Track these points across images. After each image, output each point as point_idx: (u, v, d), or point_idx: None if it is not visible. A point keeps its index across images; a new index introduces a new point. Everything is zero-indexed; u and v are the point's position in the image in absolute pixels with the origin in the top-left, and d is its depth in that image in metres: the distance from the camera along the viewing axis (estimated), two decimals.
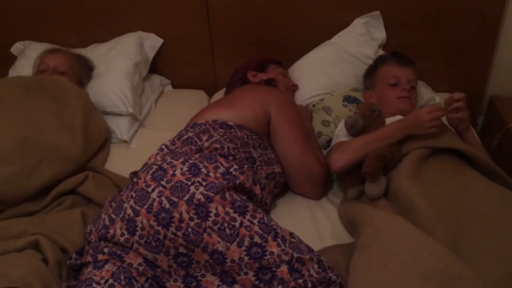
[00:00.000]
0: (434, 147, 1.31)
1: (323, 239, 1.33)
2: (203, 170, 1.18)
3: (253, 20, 1.97)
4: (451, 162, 1.30)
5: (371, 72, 1.69)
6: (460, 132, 1.45)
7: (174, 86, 2.20)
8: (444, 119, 1.39)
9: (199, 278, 1.12)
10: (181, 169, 1.17)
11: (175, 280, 1.12)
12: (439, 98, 1.87)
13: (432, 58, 1.95)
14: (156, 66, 2.16)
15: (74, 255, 1.20)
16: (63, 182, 1.47)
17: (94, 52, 2.04)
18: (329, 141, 1.66)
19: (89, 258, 1.14)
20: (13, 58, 2.09)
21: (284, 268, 1.08)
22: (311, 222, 1.39)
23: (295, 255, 1.09)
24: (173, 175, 1.15)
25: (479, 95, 2.07)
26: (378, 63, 1.68)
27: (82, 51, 2.04)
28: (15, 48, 2.12)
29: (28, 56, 2.03)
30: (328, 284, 1.08)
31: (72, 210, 1.37)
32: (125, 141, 1.79)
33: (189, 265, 1.11)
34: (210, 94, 2.12)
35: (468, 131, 1.46)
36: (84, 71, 1.92)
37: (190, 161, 1.20)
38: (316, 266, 1.10)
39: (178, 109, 1.96)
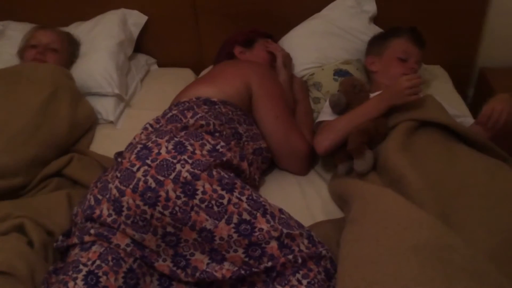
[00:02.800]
0: (421, 119, 1.30)
1: (313, 214, 1.32)
2: (189, 147, 1.15)
3: None
4: (440, 134, 1.29)
5: (382, 38, 1.64)
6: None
7: (160, 65, 2.16)
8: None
9: (188, 257, 1.10)
10: (167, 147, 1.14)
11: (164, 260, 1.11)
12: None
13: (421, 30, 1.92)
14: (141, 45, 2.11)
15: (60, 237, 1.18)
16: (48, 165, 1.45)
17: (77, 31, 1.97)
18: None
19: (75, 240, 1.11)
20: None
21: (273, 244, 1.06)
22: (301, 198, 1.38)
23: (285, 231, 1.07)
24: (158, 153, 1.13)
25: (469, 66, 2.05)
26: (393, 32, 1.63)
27: (64, 30, 1.98)
28: None
29: (8, 36, 1.97)
30: (318, 258, 1.07)
31: (57, 192, 1.35)
32: (111, 122, 1.75)
33: (177, 244, 1.10)
34: (197, 72, 2.08)
35: None
36: (75, 50, 1.88)
37: (176, 139, 1.17)
38: (306, 241, 1.09)
39: (164, 88, 1.91)
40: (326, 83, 1.67)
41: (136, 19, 2.02)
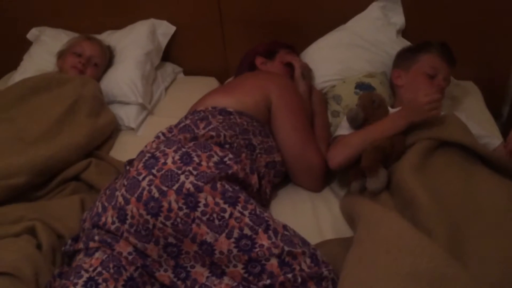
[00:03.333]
0: (440, 138, 1.24)
1: (322, 232, 1.28)
2: (195, 159, 1.15)
3: (265, 3, 1.92)
4: (460, 156, 1.23)
5: (411, 53, 1.59)
6: None
7: (187, 73, 2.18)
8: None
9: (189, 269, 1.09)
10: (173, 157, 1.14)
11: (165, 270, 1.11)
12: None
13: (453, 44, 1.84)
14: (169, 54, 2.14)
15: (69, 242, 1.20)
16: (67, 169, 1.48)
17: (109, 40, 2.03)
18: None
19: (81, 245, 1.13)
20: (28, 44, 2.11)
21: (274, 261, 1.04)
22: (312, 214, 1.35)
23: (286, 248, 1.05)
24: (164, 163, 1.13)
25: (504, 84, 1.95)
26: (423, 47, 1.58)
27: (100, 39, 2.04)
28: (31, 34, 2.13)
29: (43, 42, 2.05)
30: (319, 279, 1.04)
31: (71, 196, 1.38)
32: (132, 129, 1.78)
33: (178, 255, 1.09)
34: (222, 80, 2.09)
35: None
36: (110, 63, 1.94)
37: (183, 149, 1.18)
38: (308, 261, 1.06)
39: (188, 96, 1.90)
40: (346, 96, 1.63)
41: (165, 30, 2.06)
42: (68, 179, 1.48)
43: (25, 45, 2.11)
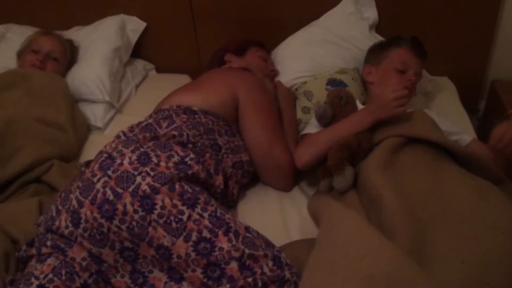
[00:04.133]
0: (408, 135, 1.21)
1: (290, 233, 1.24)
2: (154, 159, 1.10)
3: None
4: (428, 152, 1.20)
5: (382, 48, 1.56)
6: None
7: (159, 70, 2.13)
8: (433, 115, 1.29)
9: (146, 274, 1.05)
10: (130, 157, 1.10)
11: (122, 276, 1.06)
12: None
13: (427, 39, 1.81)
14: (140, 50, 2.09)
15: (24, 247, 1.15)
16: (30, 172, 1.43)
17: (76, 35, 1.97)
18: None
19: (33, 251, 1.08)
20: None
21: (234, 265, 1.00)
22: (280, 215, 1.31)
23: (247, 251, 1.01)
24: (121, 164, 1.08)
25: (479, 79, 1.93)
26: (393, 42, 1.55)
27: (64, 34, 1.98)
28: None
29: (8, 39, 1.98)
30: (281, 282, 1.00)
31: (29, 199, 1.32)
32: (99, 128, 1.73)
33: (135, 260, 1.05)
34: (195, 78, 2.02)
35: None
36: (73, 58, 1.88)
37: (141, 149, 1.13)
38: (270, 263, 1.02)
39: (159, 94, 1.83)
40: (318, 92, 1.60)
41: (135, 26, 2.01)
42: (29, 181, 1.42)
43: None
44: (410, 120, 1.26)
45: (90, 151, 1.64)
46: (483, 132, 1.88)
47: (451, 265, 0.88)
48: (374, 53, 1.59)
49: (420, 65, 1.51)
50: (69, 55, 1.86)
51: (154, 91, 1.93)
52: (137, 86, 1.99)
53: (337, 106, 1.36)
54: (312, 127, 1.42)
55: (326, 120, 1.37)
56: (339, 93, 1.37)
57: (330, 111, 1.35)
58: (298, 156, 1.31)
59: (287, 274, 1.01)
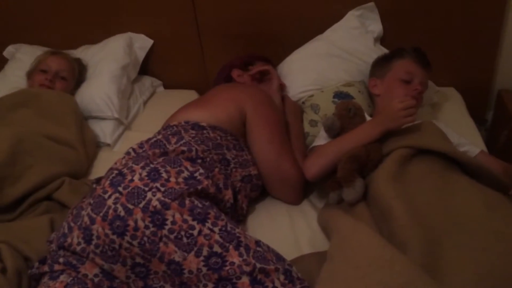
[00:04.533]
0: (418, 146, 1.20)
1: (300, 247, 1.24)
2: (164, 175, 1.11)
3: (242, 15, 1.90)
4: (438, 163, 1.19)
5: (385, 60, 1.58)
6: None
7: (167, 87, 2.15)
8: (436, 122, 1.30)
9: None
10: (140, 174, 1.11)
11: None
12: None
13: (433, 50, 1.82)
14: (147, 67, 2.12)
15: (36, 264, 1.16)
16: (41, 189, 1.44)
17: (84, 54, 2.01)
18: None
19: (46, 268, 1.09)
20: (4, 62, 2.08)
21: (245, 279, 1.00)
22: (290, 228, 1.31)
23: (258, 265, 1.01)
24: (131, 180, 1.09)
25: (486, 89, 1.92)
26: (396, 54, 1.56)
27: (72, 53, 2.02)
28: (8, 51, 2.11)
29: (17, 60, 2.02)
30: None
31: (40, 217, 1.33)
32: (108, 145, 1.75)
33: (147, 275, 1.05)
34: (202, 93, 2.04)
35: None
36: (81, 76, 1.91)
37: (151, 165, 1.14)
38: (282, 277, 1.02)
39: (167, 110, 1.86)
40: (324, 105, 1.60)
41: (142, 43, 2.03)
42: (40, 199, 1.43)
43: (1, 64, 2.08)
44: (419, 131, 1.27)
45: (99, 168, 1.65)
46: (491, 143, 1.88)
47: (464, 277, 0.87)
48: (378, 66, 1.60)
49: (425, 75, 1.52)
50: (77, 74, 1.89)
51: (162, 107, 1.95)
52: (145, 103, 2.01)
53: (345, 117, 1.36)
54: (321, 139, 1.42)
55: (334, 132, 1.37)
56: (347, 105, 1.38)
57: (339, 123, 1.35)
58: (308, 167, 1.31)
59: None
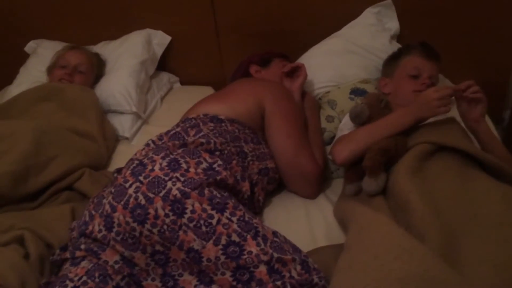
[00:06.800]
0: (439, 143, 1.20)
1: (316, 239, 1.26)
2: (183, 165, 1.13)
3: (259, 12, 1.92)
4: (458, 160, 1.19)
5: (393, 59, 1.58)
6: (476, 120, 1.32)
7: (183, 83, 2.18)
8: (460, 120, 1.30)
9: (177, 277, 1.07)
10: (161, 164, 1.13)
11: (153, 279, 1.08)
12: None
13: (449, 48, 1.82)
14: (165, 63, 2.14)
15: (57, 251, 1.19)
16: (63, 180, 1.47)
17: (104, 50, 2.04)
18: (333, 137, 1.58)
19: (67, 255, 1.12)
20: (25, 57, 2.12)
21: (262, 268, 1.01)
22: (306, 221, 1.32)
23: (275, 255, 1.02)
24: (152, 170, 1.11)
25: (504, 88, 1.92)
26: (403, 51, 1.57)
27: (92, 49, 2.05)
28: (29, 47, 2.15)
29: (39, 54, 2.06)
30: (310, 286, 1.01)
31: (62, 205, 1.36)
32: (127, 138, 1.78)
33: (166, 263, 1.07)
34: (218, 90, 2.07)
35: (483, 122, 1.34)
36: (100, 71, 1.94)
37: (171, 156, 1.16)
38: (299, 268, 1.03)
39: (184, 106, 1.88)
40: (341, 101, 1.62)
41: (160, 40, 2.06)
42: (61, 189, 1.47)
43: (21, 59, 2.12)
44: (442, 128, 1.26)
45: (118, 161, 1.68)
46: (508, 142, 1.87)
47: (483, 269, 0.88)
48: (387, 65, 1.61)
49: (434, 68, 1.50)
50: (96, 68, 1.92)
51: (179, 102, 1.97)
52: (162, 98, 2.04)
53: (375, 108, 1.34)
54: (346, 128, 1.41)
55: (361, 120, 1.35)
56: (379, 96, 1.38)
57: (368, 111, 1.33)
58: (338, 151, 1.27)
59: (315, 278, 1.02)
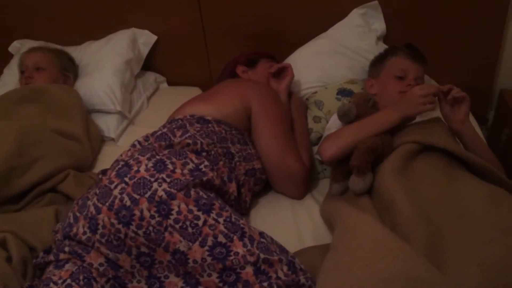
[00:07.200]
0: (425, 142, 1.21)
1: (303, 239, 1.26)
2: (170, 166, 1.12)
3: (247, 13, 1.91)
4: (443, 160, 1.20)
5: (379, 60, 1.59)
6: (461, 121, 1.32)
7: (170, 83, 2.17)
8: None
9: (162, 279, 1.06)
10: (146, 165, 1.12)
11: (138, 281, 1.07)
12: None
13: (435, 49, 1.84)
14: (152, 63, 2.13)
15: (41, 254, 1.17)
16: (46, 182, 1.45)
17: (88, 49, 2.02)
18: (320, 138, 1.58)
19: (51, 257, 1.10)
20: (9, 57, 2.10)
21: (249, 269, 1.01)
22: (293, 222, 1.32)
23: (262, 256, 1.02)
24: (137, 171, 1.10)
25: (488, 89, 1.94)
26: (389, 52, 1.57)
27: (76, 49, 2.04)
28: (13, 47, 2.13)
29: None
30: (296, 287, 1.01)
31: (46, 208, 1.34)
32: (112, 139, 1.76)
33: (152, 265, 1.06)
34: (205, 90, 2.06)
35: (467, 122, 1.35)
36: (66, 64, 1.89)
37: (157, 156, 1.15)
38: (285, 268, 1.03)
39: (171, 106, 1.87)
40: (328, 102, 1.62)
41: (146, 39, 2.05)
42: (45, 191, 1.44)
43: (6, 59, 2.10)
44: (427, 127, 1.28)
45: (104, 162, 1.66)
46: (493, 142, 1.89)
47: (467, 269, 0.88)
48: (374, 66, 1.62)
49: (419, 70, 1.51)
50: (56, 59, 1.85)
51: (166, 103, 1.96)
52: (149, 98, 2.02)
53: (363, 107, 1.35)
54: (333, 127, 1.42)
55: (349, 119, 1.36)
56: (367, 95, 1.39)
57: (355, 110, 1.34)
58: (325, 148, 1.28)
59: (302, 279, 1.02)
